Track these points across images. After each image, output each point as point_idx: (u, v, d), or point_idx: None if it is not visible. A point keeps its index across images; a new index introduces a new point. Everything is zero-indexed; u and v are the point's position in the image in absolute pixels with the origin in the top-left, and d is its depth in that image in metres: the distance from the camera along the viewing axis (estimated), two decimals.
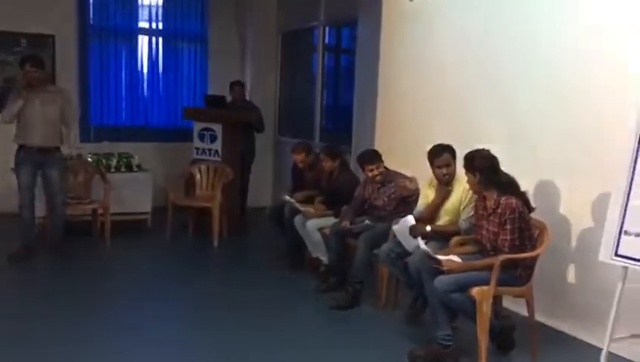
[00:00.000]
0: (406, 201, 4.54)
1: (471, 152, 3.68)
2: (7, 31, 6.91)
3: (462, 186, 4.02)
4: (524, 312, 3.73)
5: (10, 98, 5.20)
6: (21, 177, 5.18)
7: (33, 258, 5.28)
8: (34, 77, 5.07)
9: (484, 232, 3.67)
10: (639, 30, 3.55)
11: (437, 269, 3.54)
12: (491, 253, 3.60)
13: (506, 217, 3.48)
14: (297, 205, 5.16)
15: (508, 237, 3.49)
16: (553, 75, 4.15)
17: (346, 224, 4.64)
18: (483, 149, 3.66)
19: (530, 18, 4.33)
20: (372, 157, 4.68)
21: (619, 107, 3.58)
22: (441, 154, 4.03)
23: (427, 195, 4.22)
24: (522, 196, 3.61)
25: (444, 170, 4.03)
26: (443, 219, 4.14)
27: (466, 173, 3.69)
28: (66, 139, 5.30)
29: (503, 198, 3.54)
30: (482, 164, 3.59)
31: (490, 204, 3.62)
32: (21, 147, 5.18)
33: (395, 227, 4.13)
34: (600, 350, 3.27)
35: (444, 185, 4.09)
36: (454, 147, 4.08)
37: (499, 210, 3.54)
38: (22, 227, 5.28)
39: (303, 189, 5.49)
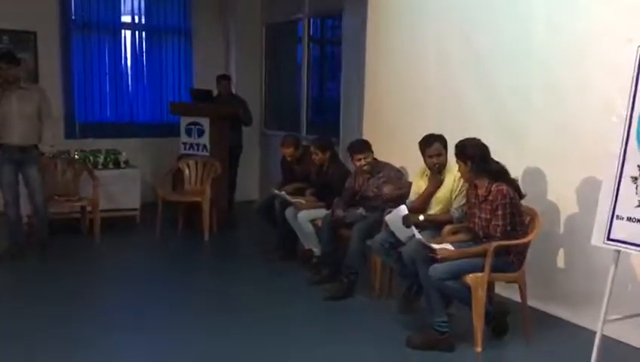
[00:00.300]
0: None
1: (462, 141, 3.74)
2: None
3: (453, 175, 4.08)
4: (516, 298, 3.81)
5: None
6: (2, 176, 5.12)
7: (22, 256, 5.24)
8: (10, 74, 4.99)
9: (476, 220, 3.73)
10: (632, 19, 3.61)
11: (431, 258, 3.59)
12: (484, 240, 3.66)
13: (498, 203, 3.55)
14: (288, 197, 5.18)
15: (500, 223, 3.55)
16: (540, 64, 4.20)
17: (339, 213, 4.66)
18: (474, 138, 3.73)
19: (517, 10, 4.38)
20: (361, 147, 4.72)
21: (605, 96, 3.64)
22: (432, 144, 4.09)
23: (419, 185, 4.27)
24: (513, 183, 3.68)
25: (435, 160, 4.09)
26: (435, 209, 4.20)
27: (457, 162, 3.75)
28: (42, 137, 5.21)
29: (494, 185, 3.60)
30: (474, 153, 3.65)
31: (481, 192, 3.68)
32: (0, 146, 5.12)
33: (387, 217, 4.17)
34: (590, 332, 3.35)
35: (436, 174, 4.14)
36: (446, 139, 4.14)
37: (490, 197, 3.60)
38: (8, 226, 5.24)
39: (293, 182, 5.51)
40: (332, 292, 4.47)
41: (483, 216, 3.67)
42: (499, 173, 3.68)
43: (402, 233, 4.03)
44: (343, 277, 4.52)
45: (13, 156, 5.09)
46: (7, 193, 5.16)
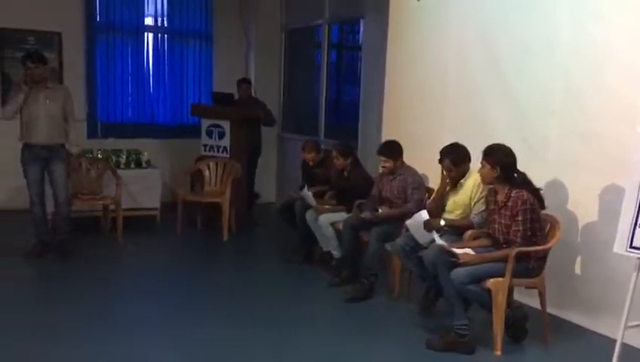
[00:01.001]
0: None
1: (493, 145, 3.79)
2: (14, 28, 6.97)
3: (473, 181, 4.15)
4: (536, 304, 3.87)
5: (11, 94, 5.21)
6: (29, 175, 5.18)
7: (48, 253, 5.31)
8: (36, 73, 5.02)
9: (496, 226, 3.79)
10: None
11: (453, 262, 3.65)
12: (504, 245, 3.72)
13: (518, 209, 3.61)
14: (312, 199, 5.24)
15: (520, 228, 3.61)
16: (561, 72, 4.26)
17: (367, 214, 4.70)
18: (504, 145, 3.78)
19: (538, 18, 4.43)
20: (383, 150, 4.80)
21: (627, 104, 3.70)
22: (442, 160, 4.19)
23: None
24: (536, 192, 3.74)
25: (446, 173, 4.22)
26: (454, 213, 4.26)
27: (484, 164, 3.77)
28: (69, 138, 5.29)
29: (514, 191, 3.67)
30: (504, 161, 3.71)
31: (500, 198, 3.74)
32: (26, 145, 5.16)
33: (408, 222, 4.25)
34: (608, 339, 3.41)
35: (452, 185, 4.24)
36: (461, 142, 4.23)
37: (509, 203, 3.66)
38: (34, 224, 5.32)
39: (313, 185, 5.59)
40: (353, 294, 4.54)
41: (503, 221, 3.72)
42: (522, 183, 3.74)
43: (423, 237, 4.11)
44: (363, 279, 4.59)
45: (40, 155, 5.14)
46: (33, 191, 5.20)
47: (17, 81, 5.28)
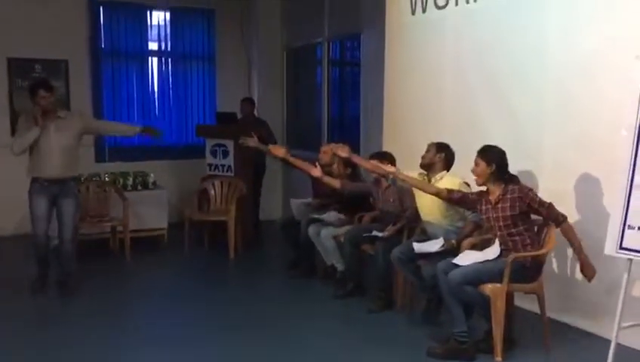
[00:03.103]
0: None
1: (487, 145, 3.88)
2: (21, 57, 7.16)
3: (449, 183, 4.18)
4: (535, 308, 3.90)
5: (20, 126, 4.82)
6: (35, 210, 4.84)
7: (52, 287, 5.04)
8: (49, 102, 4.75)
9: (492, 224, 3.83)
10: (637, 34, 3.74)
11: (452, 265, 3.73)
12: (503, 250, 3.76)
13: (526, 195, 3.69)
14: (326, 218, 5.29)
15: (541, 200, 3.70)
16: (553, 80, 4.34)
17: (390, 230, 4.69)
18: (498, 146, 3.87)
19: (530, 28, 4.52)
20: (378, 155, 4.88)
21: (616, 109, 3.76)
22: (428, 145, 4.39)
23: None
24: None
25: (423, 155, 4.38)
26: (432, 216, 4.33)
27: (478, 162, 3.82)
28: (122, 131, 5.47)
29: (510, 186, 3.76)
30: (499, 158, 3.80)
31: (493, 196, 3.80)
32: (35, 178, 4.85)
33: (417, 246, 4.23)
34: (609, 341, 3.42)
35: (420, 166, 4.38)
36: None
37: (508, 196, 3.73)
38: (37, 260, 5.01)
39: (320, 197, 5.66)
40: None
41: (501, 214, 3.75)
42: (511, 180, 3.84)
43: (430, 248, 4.16)
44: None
45: (50, 189, 4.83)
46: (38, 227, 4.86)
47: (20, 110, 5.14)
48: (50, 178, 4.81)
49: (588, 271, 3.64)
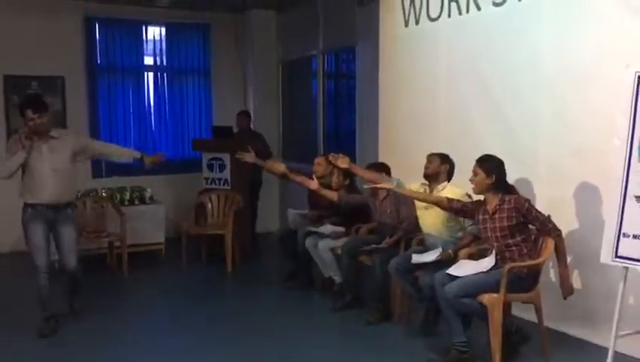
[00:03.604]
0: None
1: (486, 155, 3.89)
2: (17, 75, 7.17)
3: (450, 194, 4.18)
4: (532, 317, 3.90)
5: (9, 148, 4.42)
6: (33, 238, 4.41)
7: (59, 328, 4.52)
8: (39, 124, 4.30)
9: (489, 234, 3.84)
10: (632, 46, 3.78)
11: (449, 277, 3.72)
12: (499, 257, 3.77)
13: (523, 206, 3.71)
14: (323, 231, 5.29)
15: (540, 217, 3.73)
16: (546, 90, 4.37)
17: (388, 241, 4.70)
18: (497, 156, 3.89)
19: (523, 39, 4.56)
20: (373, 166, 4.92)
21: (609, 118, 3.79)
22: (430, 155, 4.41)
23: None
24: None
25: (426, 165, 4.38)
26: (445, 235, 4.32)
27: (478, 172, 3.82)
28: (123, 155, 4.87)
29: (507, 196, 3.78)
30: (498, 169, 3.82)
31: (490, 207, 3.81)
32: (29, 204, 4.43)
33: (415, 257, 4.24)
34: (607, 349, 3.43)
35: (424, 176, 4.38)
36: (455, 162, 4.39)
37: (505, 206, 3.74)
38: (39, 299, 4.43)
39: (317, 209, 5.67)
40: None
41: (498, 225, 3.76)
42: (509, 190, 3.87)
43: (424, 258, 4.17)
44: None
45: (47, 215, 4.42)
46: (38, 257, 4.37)
47: (17, 128, 4.56)
48: (44, 203, 4.40)
49: (566, 289, 3.75)
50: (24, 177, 4.41)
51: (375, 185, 4.42)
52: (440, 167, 4.33)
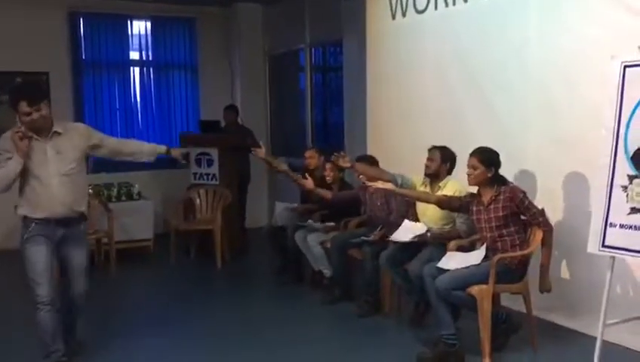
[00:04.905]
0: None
1: (484, 148, 3.88)
2: (1, 71, 7.07)
3: (451, 190, 4.22)
4: (521, 308, 3.92)
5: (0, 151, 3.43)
6: (35, 264, 3.47)
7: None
8: (38, 119, 3.37)
9: (483, 225, 3.85)
10: (618, 37, 3.79)
11: (438, 270, 3.74)
12: (493, 247, 3.79)
13: (519, 198, 3.72)
14: (315, 225, 5.29)
15: (534, 210, 3.74)
16: (533, 82, 4.38)
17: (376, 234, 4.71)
18: (492, 148, 3.89)
19: (510, 31, 4.56)
20: (362, 158, 4.89)
21: (596, 109, 3.80)
22: (433, 150, 4.34)
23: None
24: None
25: (427, 163, 4.32)
26: (438, 225, 4.33)
27: (477, 165, 3.81)
28: (145, 153, 3.95)
29: (503, 187, 3.79)
30: (497, 161, 3.83)
31: (485, 199, 3.82)
32: (30, 219, 3.51)
33: (393, 236, 4.30)
34: (595, 339, 3.45)
35: (425, 176, 4.35)
36: None
37: (501, 197, 3.75)
38: (43, 333, 3.56)
39: (307, 202, 5.65)
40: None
41: (493, 215, 3.77)
42: (503, 181, 3.88)
43: (400, 237, 4.21)
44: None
45: (54, 232, 3.52)
46: (40, 286, 3.46)
47: (3, 128, 3.51)
48: (50, 218, 3.50)
49: (544, 286, 3.78)
50: (24, 186, 3.48)
51: (378, 186, 4.25)
52: (441, 167, 4.25)
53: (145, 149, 3.97)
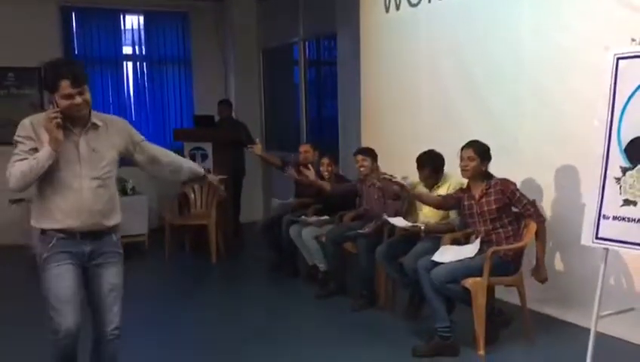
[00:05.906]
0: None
1: (478, 141, 3.88)
2: None
3: (447, 185, 4.23)
4: (516, 300, 3.93)
5: (22, 142, 2.67)
6: (57, 287, 2.74)
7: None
8: (81, 104, 2.66)
9: (476, 218, 3.86)
10: (611, 30, 3.78)
11: (432, 263, 3.75)
12: (487, 239, 3.80)
13: (510, 190, 3.75)
14: (309, 220, 5.28)
15: (525, 201, 3.75)
16: (527, 75, 4.38)
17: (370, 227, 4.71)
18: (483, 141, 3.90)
19: (504, 24, 4.56)
20: (362, 150, 4.93)
21: (589, 101, 3.79)
22: (422, 168, 4.33)
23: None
24: None
25: (425, 180, 4.37)
26: (436, 219, 4.33)
27: (473, 157, 3.81)
28: (178, 172, 3.20)
29: (495, 180, 3.80)
30: (489, 155, 3.86)
31: (476, 193, 3.84)
32: (52, 231, 2.76)
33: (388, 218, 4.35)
34: (589, 330, 3.46)
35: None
36: (436, 149, 4.37)
37: (491, 190, 3.77)
38: None
39: (302, 197, 5.65)
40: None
41: (486, 208, 3.79)
42: (491, 177, 3.90)
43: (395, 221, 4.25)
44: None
45: (82, 249, 2.79)
46: (63, 315, 2.72)
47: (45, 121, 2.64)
48: (78, 230, 2.76)
49: (540, 275, 3.79)
50: (42, 190, 2.74)
51: (395, 183, 4.16)
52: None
53: (184, 165, 3.24)
